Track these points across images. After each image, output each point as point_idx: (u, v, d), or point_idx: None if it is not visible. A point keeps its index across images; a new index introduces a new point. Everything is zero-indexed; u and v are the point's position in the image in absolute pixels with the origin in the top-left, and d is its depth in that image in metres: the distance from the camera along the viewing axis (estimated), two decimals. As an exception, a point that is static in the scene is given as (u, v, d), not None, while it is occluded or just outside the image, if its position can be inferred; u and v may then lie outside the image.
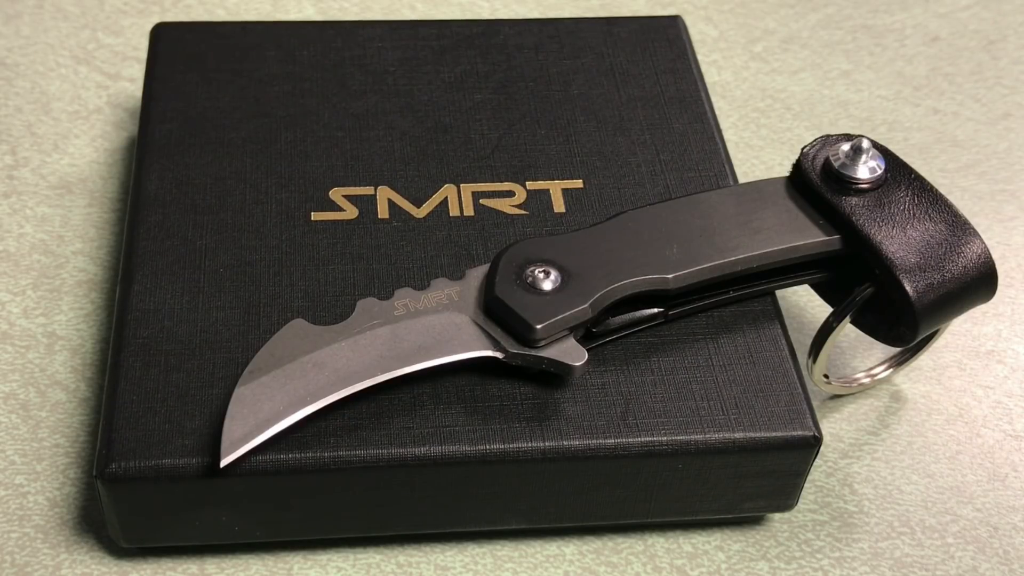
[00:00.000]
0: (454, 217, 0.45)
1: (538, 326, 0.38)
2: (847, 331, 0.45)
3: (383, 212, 0.45)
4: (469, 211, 0.45)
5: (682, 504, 0.41)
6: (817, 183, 0.43)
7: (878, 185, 0.43)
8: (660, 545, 0.42)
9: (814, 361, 0.43)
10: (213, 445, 0.38)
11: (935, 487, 0.44)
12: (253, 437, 0.37)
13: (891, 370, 0.46)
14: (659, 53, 0.52)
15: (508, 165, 0.47)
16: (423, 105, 0.49)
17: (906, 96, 0.60)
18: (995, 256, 0.44)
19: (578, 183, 0.47)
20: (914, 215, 0.42)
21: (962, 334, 0.49)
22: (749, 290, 0.43)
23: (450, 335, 0.39)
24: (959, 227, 0.42)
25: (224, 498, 0.38)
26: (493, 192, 0.46)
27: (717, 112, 0.55)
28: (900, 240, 0.41)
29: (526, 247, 0.41)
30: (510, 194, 0.46)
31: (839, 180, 0.43)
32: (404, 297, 0.40)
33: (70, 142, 0.54)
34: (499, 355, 0.39)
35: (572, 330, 0.39)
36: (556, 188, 0.46)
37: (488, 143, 0.48)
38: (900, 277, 0.40)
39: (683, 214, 0.42)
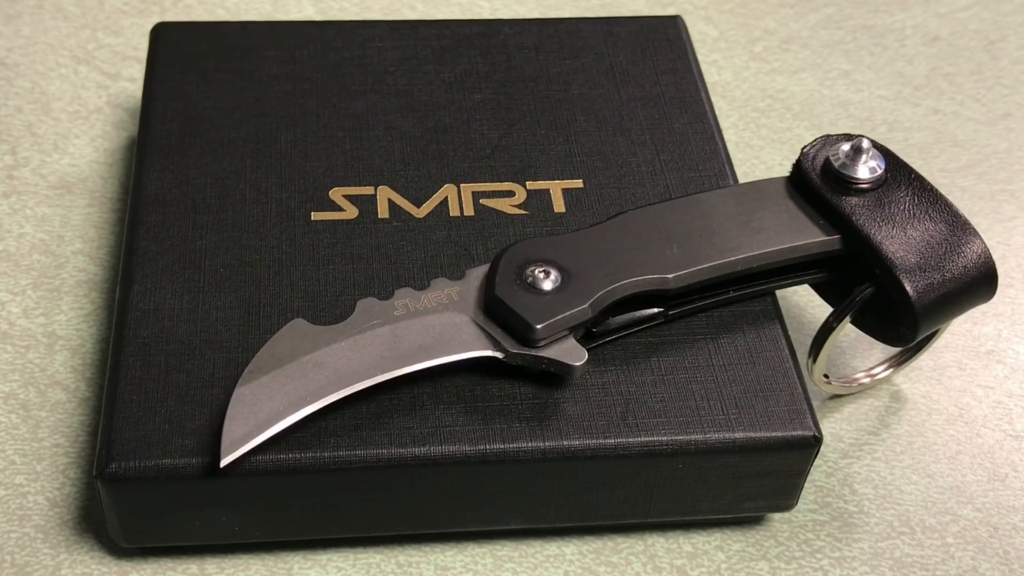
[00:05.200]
0: (454, 217, 0.45)
1: (538, 326, 0.38)
2: (847, 331, 0.45)
3: (383, 212, 0.45)
4: (469, 211, 0.45)
5: (682, 504, 0.41)
6: (817, 183, 0.43)
7: (878, 185, 0.43)
8: (660, 545, 0.42)
9: (814, 361, 0.43)
10: (213, 445, 0.38)
11: (935, 487, 0.44)
12: (253, 437, 0.37)
13: (891, 370, 0.46)
14: (659, 53, 0.52)
15: (508, 165, 0.47)
16: (423, 105, 0.49)
17: (906, 96, 0.60)
18: (995, 256, 0.44)
19: (578, 183, 0.47)
20: (914, 215, 0.42)
21: (962, 334, 0.49)
22: (749, 290, 0.43)
23: (450, 335, 0.39)
24: (959, 227, 0.42)
25: (224, 498, 0.38)
26: (493, 192, 0.46)
27: (717, 112, 0.55)
28: (900, 240, 0.41)
29: (526, 247, 0.41)
30: (510, 194, 0.46)
31: (839, 180, 0.43)
32: (404, 297, 0.40)
33: (70, 142, 0.54)
34: (499, 355, 0.39)
35: (572, 330, 0.39)
36: (556, 188, 0.46)
37: (488, 143, 0.48)
38: (900, 277, 0.40)
39: (683, 214, 0.42)
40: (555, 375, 0.40)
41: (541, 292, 0.39)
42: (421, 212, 0.45)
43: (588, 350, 0.39)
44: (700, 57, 0.60)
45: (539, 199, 0.46)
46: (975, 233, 0.42)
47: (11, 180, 0.52)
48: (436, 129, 0.48)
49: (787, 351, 0.42)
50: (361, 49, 0.51)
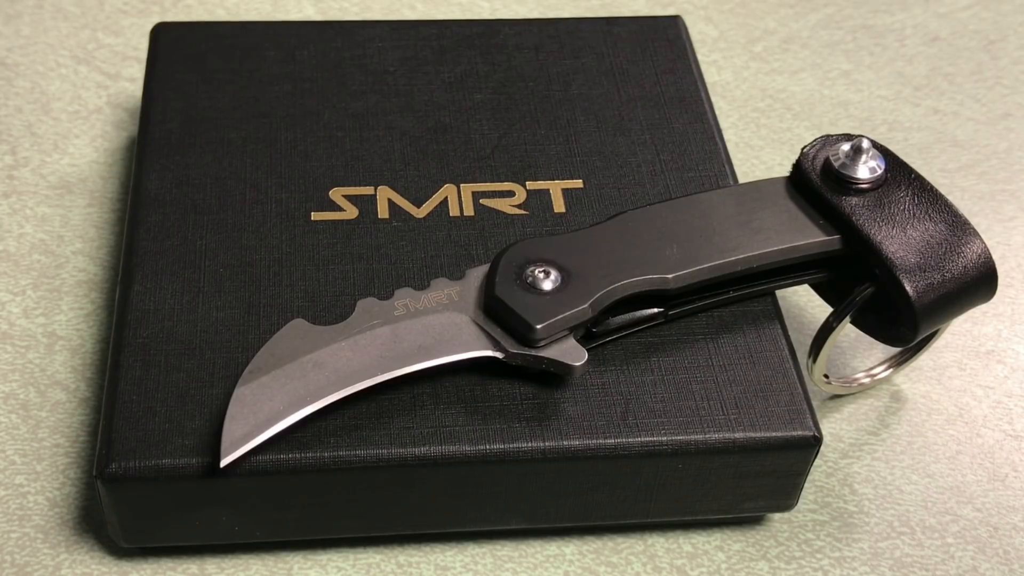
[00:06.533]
0: (454, 217, 0.45)
1: (538, 326, 0.38)
2: (847, 331, 0.45)
3: (383, 212, 0.45)
4: (469, 211, 0.45)
5: (682, 504, 0.41)
6: (817, 183, 0.43)
7: (878, 185, 0.43)
8: (660, 545, 0.42)
9: (814, 361, 0.43)
10: (213, 445, 0.38)
11: (935, 487, 0.44)
12: (253, 437, 0.37)
13: (891, 370, 0.46)
14: (659, 53, 0.52)
15: (508, 165, 0.47)
16: (423, 105, 0.49)
17: (906, 96, 0.60)
18: (995, 256, 0.44)
19: (578, 183, 0.47)
20: (914, 215, 0.42)
21: (962, 334, 0.49)
22: (749, 290, 0.43)
23: (450, 335, 0.39)
24: (959, 227, 0.42)
25: (224, 498, 0.38)
26: (493, 192, 0.46)
27: (717, 112, 0.55)
28: (900, 240, 0.41)
29: (526, 247, 0.41)
30: (510, 194, 0.46)
31: (839, 180, 0.43)
32: (404, 297, 0.40)
33: (70, 142, 0.54)
34: (499, 355, 0.39)
35: (572, 330, 0.39)
36: (556, 188, 0.46)
37: (488, 143, 0.48)
38: (900, 277, 0.40)
39: (683, 214, 0.42)
40: (555, 375, 0.40)
41: (541, 292, 0.39)
42: (421, 212, 0.45)
43: (588, 350, 0.39)
44: (700, 57, 0.60)
45: (539, 199, 0.46)
46: (975, 233, 0.42)
47: (11, 180, 0.52)
48: (436, 129, 0.48)
49: (787, 351, 0.42)
50: (361, 49, 0.51)
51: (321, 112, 0.48)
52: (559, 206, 0.46)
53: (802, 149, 0.44)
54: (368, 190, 0.46)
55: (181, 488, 0.38)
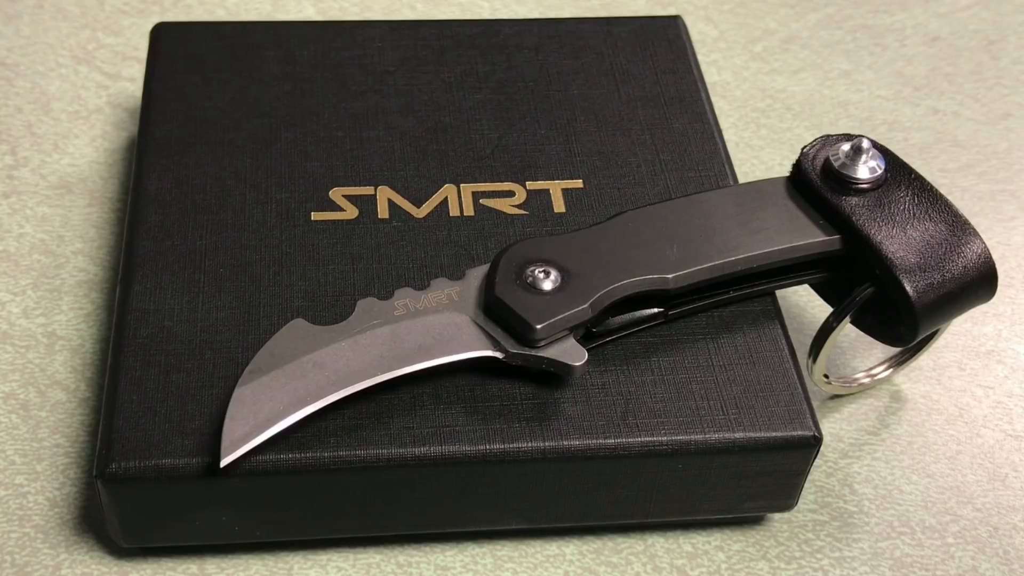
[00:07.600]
0: (454, 217, 0.45)
1: (538, 326, 0.38)
2: (847, 331, 0.45)
3: (383, 212, 0.45)
4: (469, 211, 0.45)
5: (682, 504, 0.41)
6: (817, 183, 0.43)
7: (878, 185, 0.43)
8: (660, 545, 0.42)
9: (814, 361, 0.43)
10: (213, 445, 0.38)
11: (935, 487, 0.44)
12: (253, 437, 0.37)
13: (891, 370, 0.46)
14: (659, 53, 0.52)
15: (508, 165, 0.47)
16: (423, 105, 0.49)
17: (906, 96, 0.60)
18: (995, 256, 0.44)
19: (578, 183, 0.47)
20: (914, 215, 0.42)
21: (962, 334, 0.49)
22: (749, 290, 0.43)
23: (450, 335, 0.39)
24: (959, 227, 0.42)
25: (224, 498, 0.38)
26: (493, 192, 0.46)
27: (717, 112, 0.55)
28: (900, 240, 0.41)
29: (526, 247, 0.41)
30: (510, 194, 0.46)
31: (839, 180, 0.43)
32: (404, 297, 0.40)
33: (70, 142, 0.54)
34: (499, 355, 0.39)
35: (572, 330, 0.39)
36: (556, 188, 0.46)
37: (488, 143, 0.48)
38: (900, 277, 0.40)
39: (683, 214, 0.42)
40: (555, 375, 0.40)
41: (541, 292, 0.39)
42: (421, 212, 0.45)
43: (588, 350, 0.39)
44: (700, 57, 0.60)
45: (539, 199, 0.46)
46: (975, 233, 0.42)
47: (11, 180, 0.52)
48: (436, 129, 0.48)
49: (787, 351, 0.42)
50: (361, 49, 0.51)
51: (321, 112, 0.48)
52: (559, 206, 0.46)
53: (802, 149, 0.44)
54: (368, 190, 0.46)
55: (181, 488, 0.38)
